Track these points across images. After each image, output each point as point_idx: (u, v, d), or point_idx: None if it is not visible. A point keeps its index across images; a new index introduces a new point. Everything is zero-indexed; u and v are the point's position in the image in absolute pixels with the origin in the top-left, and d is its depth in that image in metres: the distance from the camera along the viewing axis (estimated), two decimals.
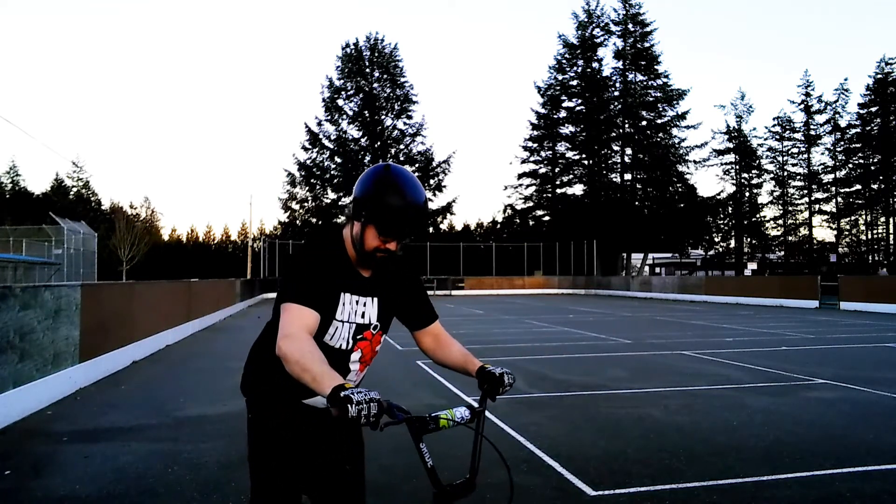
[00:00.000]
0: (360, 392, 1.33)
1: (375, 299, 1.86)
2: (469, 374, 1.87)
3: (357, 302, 1.82)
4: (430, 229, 49.48)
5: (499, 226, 55.25)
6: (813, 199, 51.92)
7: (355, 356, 1.85)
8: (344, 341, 1.81)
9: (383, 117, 49.61)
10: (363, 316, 1.83)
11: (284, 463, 1.86)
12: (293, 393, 1.81)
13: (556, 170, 50.89)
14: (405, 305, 1.98)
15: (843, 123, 50.87)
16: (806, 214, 52.44)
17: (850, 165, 50.76)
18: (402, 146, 49.90)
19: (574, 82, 49.77)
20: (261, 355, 1.93)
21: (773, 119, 58.05)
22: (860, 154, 50.26)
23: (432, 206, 50.23)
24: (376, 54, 49.40)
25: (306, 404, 1.86)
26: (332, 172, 48.39)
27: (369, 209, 1.71)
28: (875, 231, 52.19)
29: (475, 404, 1.72)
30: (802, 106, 52.00)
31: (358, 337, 1.83)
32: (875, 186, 49.46)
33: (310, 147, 48.72)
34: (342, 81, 49.15)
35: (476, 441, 1.66)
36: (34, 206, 48.28)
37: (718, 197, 50.73)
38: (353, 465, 1.94)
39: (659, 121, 48.32)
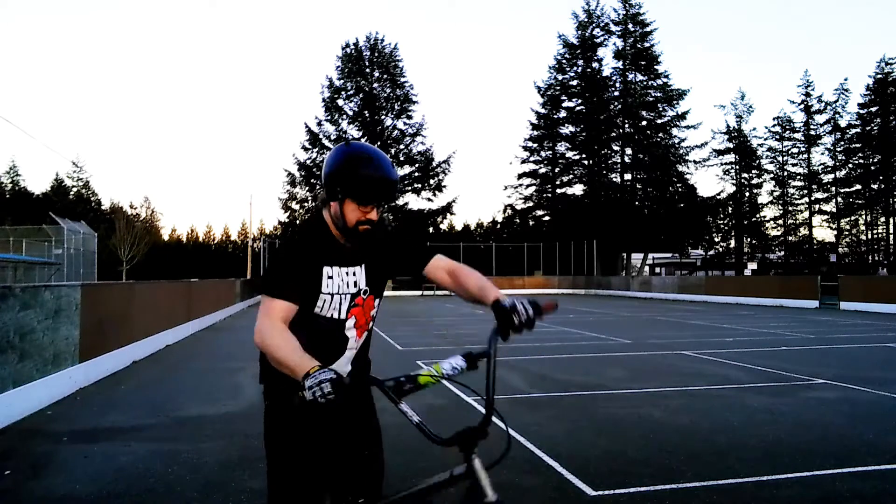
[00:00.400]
0: (314, 376, 1.45)
1: (363, 266, 1.93)
2: (486, 304, 1.84)
3: (347, 273, 1.89)
4: (430, 229, 49.50)
5: (499, 226, 55.26)
6: (813, 199, 51.86)
7: (350, 323, 1.91)
8: (336, 311, 1.88)
9: (383, 117, 49.59)
10: (354, 285, 1.91)
11: (300, 448, 1.88)
12: None
13: (556, 170, 50.86)
14: (398, 259, 2.03)
15: (843, 123, 50.85)
16: (806, 214, 52.41)
17: (850, 165, 50.68)
18: (402, 146, 49.86)
19: (574, 82, 49.74)
20: None
21: (773, 119, 58.01)
22: (860, 154, 50.19)
23: (432, 206, 50.22)
24: (376, 54, 49.37)
25: None
26: None
27: (344, 184, 1.79)
28: (875, 231, 52.20)
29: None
30: (802, 106, 51.96)
31: (351, 305, 1.90)
32: (875, 186, 49.41)
33: (310, 147, 48.70)
34: (342, 81, 49.13)
35: (488, 382, 1.60)
36: (34, 206, 48.24)
37: (718, 197, 50.67)
38: (371, 450, 1.98)
39: (659, 121, 48.28)
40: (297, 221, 48.04)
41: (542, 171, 51.34)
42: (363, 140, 44.43)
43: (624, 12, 48.31)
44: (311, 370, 1.49)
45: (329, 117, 48.93)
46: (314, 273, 1.84)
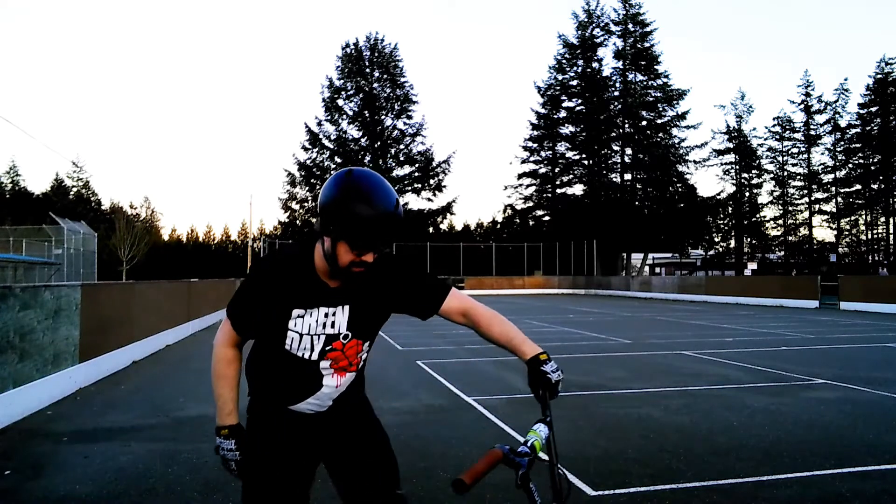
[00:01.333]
0: (222, 444, 1.77)
1: (346, 307, 1.74)
2: (518, 356, 1.87)
3: (326, 314, 1.72)
4: (430, 229, 49.51)
5: (499, 226, 55.29)
6: (813, 199, 51.88)
7: (325, 364, 1.76)
8: (307, 351, 1.74)
9: (383, 117, 49.63)
10: (333, 326, 1.73)
11: (271, 464, 1.82)
12: (279, 400, 1.82)
13: (556, 170, 50.91)
14: (404, 301, 1.85)
15: (843, 123, 50.88)
16: (806, 214, 52.44)
17: (850, 165, 50.70)
18: (402, 146, 49.91)
19: (574, 82, 49.80)
20: (251, 363, 1.93)
21: (773, 119, 58.13)
22: (860, 154, 50.20)
23: (432, 206, 50.25)
24: (376, 54, 49.41)
25: (292, 410, 1.83)
26: (332, 172, 48.32)
27: (337, 224, 1.57)
28: (875, 231, 52.19)
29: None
30: (802, 106, 51.99)
31: (327, 348, 1.75)
32: (875, 186, 49.42)
33: (310, 147, 48.77)
34: (342, 81, 49.19)
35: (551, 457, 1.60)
36: (34, 206, 48.25)
37: (718, 197, 50.73)
38: (376, 451, 1.89)
39: (659, 121, 48.33)
40: (297, 222, 48.09)
41: (542, 171, 51.43)
42: (363, 140, 43.98)
43: (624, 12, 48.39)
44: (222, 432, 1.77)
45: (329, 117, 49.02)
46: (279, 312, 1.70)
